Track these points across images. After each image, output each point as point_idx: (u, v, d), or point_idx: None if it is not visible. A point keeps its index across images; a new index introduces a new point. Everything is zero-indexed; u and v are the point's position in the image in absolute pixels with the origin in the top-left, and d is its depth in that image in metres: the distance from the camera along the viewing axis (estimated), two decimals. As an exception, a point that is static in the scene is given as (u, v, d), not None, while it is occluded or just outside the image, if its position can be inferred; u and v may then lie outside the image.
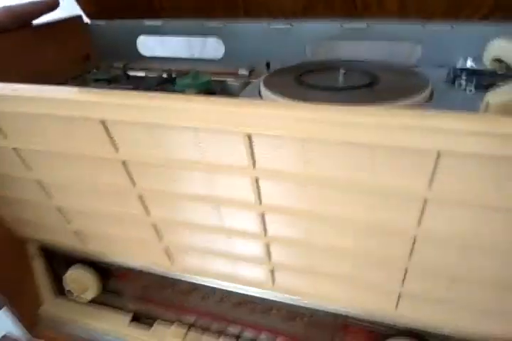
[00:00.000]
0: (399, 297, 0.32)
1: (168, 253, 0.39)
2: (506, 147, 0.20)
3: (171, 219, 0.35)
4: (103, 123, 0.29)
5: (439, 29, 0.46)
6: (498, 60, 0.39)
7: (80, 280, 0.47)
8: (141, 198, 0.34)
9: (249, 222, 0.32)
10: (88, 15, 0.58)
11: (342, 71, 0.38)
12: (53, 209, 0.40)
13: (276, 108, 0.24)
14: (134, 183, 0.33)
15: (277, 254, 0.34)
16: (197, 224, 0.34)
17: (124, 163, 0.31)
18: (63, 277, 0.47)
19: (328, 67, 0.41)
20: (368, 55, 0.53)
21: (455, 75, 0.37)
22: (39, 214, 0.42)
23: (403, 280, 0.31)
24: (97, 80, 0.48)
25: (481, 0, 0.43)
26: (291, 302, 0.39)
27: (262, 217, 0.31)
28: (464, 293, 0.29)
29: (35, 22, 0.50)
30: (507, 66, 0.37)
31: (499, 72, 0.38)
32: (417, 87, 0.35)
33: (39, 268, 0.50)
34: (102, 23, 0.58)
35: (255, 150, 0.26)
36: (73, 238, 0.43)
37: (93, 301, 0.50)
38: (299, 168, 0.26)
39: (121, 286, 0.48)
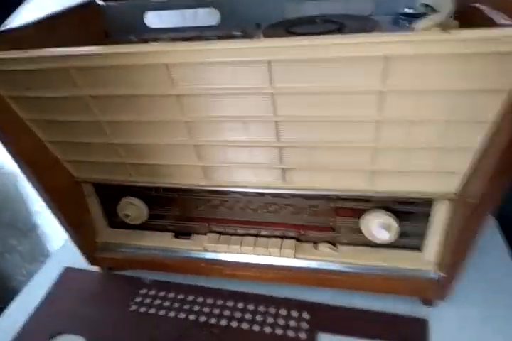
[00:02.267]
0: (371, 174, 0.47)
1: (204, 170, 0.53)
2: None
3: (210, 140, 0.48)
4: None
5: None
6: (427, 6, 0.53)
7: (132, 207, 0.60)
8: (187, 125, 0.47)
9: (266, 131, 0.45)
10: (101, -1, 0.69)
11: (317, 21, 0.51)
12: (113, 148, 0.52)
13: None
14: (183, 113, 0.45)
15: (287, 156, 0.48)
16: (228, 141, 0.48)
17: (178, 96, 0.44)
18: (119, 204, 0.60)
19: (307, 20, 0.54)
20: (331, 11, 0.67)
21: (398, 19, 0.51)
22: (99, 155, 0.54)
23: (373, 159, 0.45)
24: None
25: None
26: (296, 193, 0.53)
27: (277, 124, 0.44)
28: (416, 160, 0.44)
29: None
30: (432, 9, 0.51)
31: (428, 13, 0.52)
32: (372, 27, 0.49)
33: (94, 204, 0.63)
34: (113, 3, 0.69)
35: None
36: (126, 171, 0.55)
37: (140, 227, 0.63)
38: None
39: (162, 211, 0.62)
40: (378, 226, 0.51)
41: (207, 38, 0.66)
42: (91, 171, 0.58)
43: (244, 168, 0.51)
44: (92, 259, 0.66)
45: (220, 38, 0.66)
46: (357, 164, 0.47)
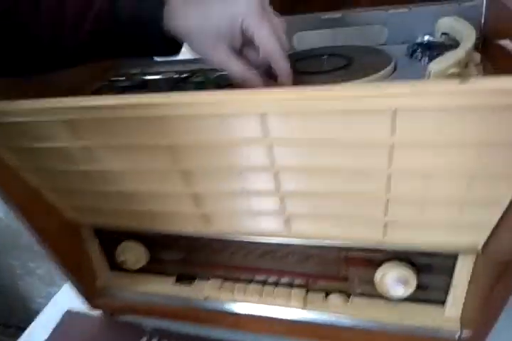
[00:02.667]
0: (385, 226, 0.42)
1: (203, 217, 0.49)
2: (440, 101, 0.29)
3: (207, 189, 0.45)
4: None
5: (400, 12, 0.56)
6: (446, 34, 0.48)
7: (131, 252, 0.57)
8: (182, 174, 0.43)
9: (266, 183, 0.41)
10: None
11: (324, 57, 0.47)
12: (108, 196, 0.49)
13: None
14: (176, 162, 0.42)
15: (290, 205, 0.44)
16: (230, 191, 0.44)
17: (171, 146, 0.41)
18: (117, 249, 0.57)
19: (314, 54, 0.51)
20: (345, 39, 0.63)
21: (413, 50, 0.47)
22: (95, 201, 0.51)
23: (385, 211, 0.40)
24: (125, 87, 0.56)
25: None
26: (303, 243, 0.48)
27: (277, 175, 0.40)
28: (435, 214, 0.39)
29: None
30: (452, 38, 0.46)
31: (447, 44, 0.48)
32: (383, 63, 0.44)
33: (93, 247, 0.60)
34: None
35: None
36: (123, 217, 0.52)
37: (140, 270, 0.60)
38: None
39: (163, 255, 0.58)
40: (394, 281, 0.46)
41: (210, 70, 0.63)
42: (88, 216, 0.55)
43: (245, 215, 0.47)
44: (92, 303, 0.63)
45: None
46: (368, 215, 0.42)
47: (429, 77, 0.36)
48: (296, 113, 0.34)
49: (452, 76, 0.36)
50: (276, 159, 0.39)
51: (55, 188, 0.51)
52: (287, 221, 0.46)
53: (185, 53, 0.71)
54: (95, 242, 0.60)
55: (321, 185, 0.40)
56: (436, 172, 0.35)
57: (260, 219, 0.47)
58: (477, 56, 0.42)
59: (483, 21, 0.51)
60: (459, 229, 0.41)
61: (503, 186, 0.35)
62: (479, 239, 0.41)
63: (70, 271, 0.58)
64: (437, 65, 0.35)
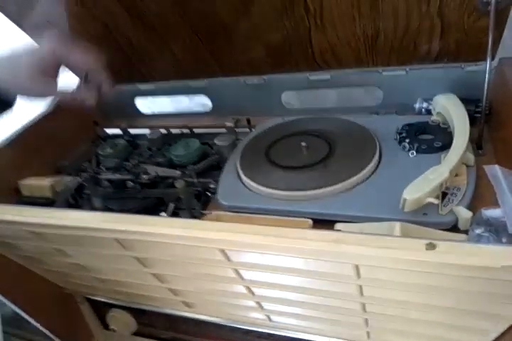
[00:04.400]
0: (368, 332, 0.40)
1: (185, 303, 0.48)
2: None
3: (186, 287, 0.44)
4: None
5: (395, 74, 0.51)
6: (440, 113, 0.44)
7: (118, 321, 0.57)
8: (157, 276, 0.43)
9: (240, 290, 0.40)
10: (87, 84, 0.65)
11: (303, 144, 0.44)
12: (97, 278, 0.49)
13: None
14: (145, 267, 0.41)
15: (267, 306, 0.42)
16: (206, 290, 0.43)
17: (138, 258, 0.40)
18: (106, 317, 0.58)
19: (293, 135, 0.48)
20: (336, 100, 0.59)
21: (401, 137, 0.43)
22: (83, 280, 0.51)
23: (366, 323, 0.38)
24: (108, 168, 0.54)
25: (428, 48, 0.48)
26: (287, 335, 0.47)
27: (248, 288, 0.39)
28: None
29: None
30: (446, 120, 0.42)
31: (441, 126, 0.44)
32: (367, 158, 0.41)
33: (86, 310, 0.61)
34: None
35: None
36: (109, 292, 0.53)
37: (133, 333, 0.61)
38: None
39: (152, 321, 0.58)
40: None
41: (196, 127, 0.61)
42: (78, 287, 0.56)
43: (225, 306, 0.46)
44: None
45: (211, 127, 0.61)
46: (349, 323, 0.40)
47: (403, 206, 0.33)
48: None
49: (429, 205, 0.33)
50: (244, 277, 0.37)
51: (42, 269, 0.52)
52: (267, 316, 0.45)
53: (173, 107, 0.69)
54: (87, 306, 0.61)
55: (292, 297, 0.38)
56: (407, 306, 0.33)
57: (240, 311, 0.46)
58: (470, 157, 0.38)
59: (486, 87, 0.46)
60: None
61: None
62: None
63: (65, 331, 0.60)
64: (413, 194, 0.32)
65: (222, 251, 0.33)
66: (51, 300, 0.58)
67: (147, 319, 0.59)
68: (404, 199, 0.33)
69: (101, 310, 0.61)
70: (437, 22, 0.44)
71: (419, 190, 0.32)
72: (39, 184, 0.49)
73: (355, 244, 0.27)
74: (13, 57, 0.44)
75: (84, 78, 0.47)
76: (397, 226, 0.31)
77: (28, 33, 0.56)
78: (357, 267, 0.29)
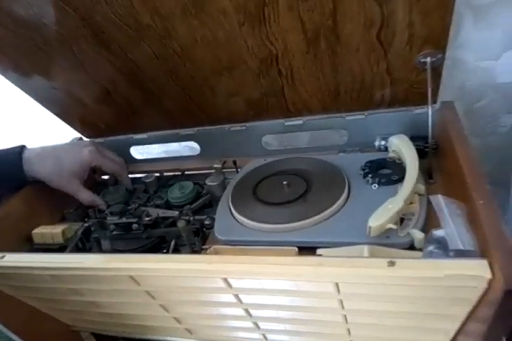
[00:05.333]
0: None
1: (188, 330, 0.54)
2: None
3: (189, 314, 0.49)
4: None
5: (356, 118, 0.60)
6: (396, 151, 0.53)
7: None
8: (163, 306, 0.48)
9: (238, 313, 0.46)
10: (87, 136, 0.72)
11: (284, 182, 0.52)
12: (104, 314, 0.54)
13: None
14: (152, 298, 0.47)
15: (264, 326, 0.48)
16: (207, 315, 0.49)
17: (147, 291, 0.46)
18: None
19: (275, 175, 0.56)
20: (308, 140, 0.68)
21: (365, 173, 0.51)
22: (88, 315, 0.56)
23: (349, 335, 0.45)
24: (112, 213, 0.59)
25: (382, 96, 0.57)
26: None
27: (246, 310, 0.45)
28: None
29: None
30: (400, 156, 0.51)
31: (397, 161, 0.52)
32: (339, 192, 0.49)
33: (92, 345, 0.65)
34: (100, 140, 0.72)
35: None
36: (116, 326, 0.57)
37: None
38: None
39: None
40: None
41: (187, 170, 0.69)
42: (86, 323, 0.60)
43: (225, 330, 0.52)
44: None
45: (201, 169, 0.68)
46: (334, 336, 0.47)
47: (369, 232, 0.41)
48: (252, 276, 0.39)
49: (390, 230, 0.41)
50: (243, 300, 0.43)
51: (52, 309, 0.56)
52: (264, 335, 0.51)
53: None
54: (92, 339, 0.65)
55: (285, 315, 0.45)
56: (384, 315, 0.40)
57: (239, 333, 0.52)
58: (421, 188, 0.46)
59: (430, 127, 0.55)
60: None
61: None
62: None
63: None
64: (376, 221, 0.40)
65: (225, 280, 0.39)
66: (59, 338, 0.62)
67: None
68: (370, 227, 0.40)
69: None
70: (386, 77, 0.53)
71: (380, 218, 0.40)
72: (51, 232, 0.55)
73: (333, 265, 0.35)
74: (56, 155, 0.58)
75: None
76: (365, 248, 0.39)
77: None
78: (337, 284, 0.36)
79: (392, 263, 0.34)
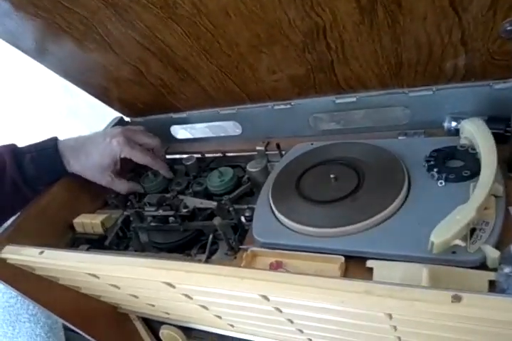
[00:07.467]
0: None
1: (229, 324, 0.52)
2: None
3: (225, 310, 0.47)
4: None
5: (422, 94, 0.51)
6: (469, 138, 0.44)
7: (171, 336, 0.62)
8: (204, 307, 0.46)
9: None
10: (127, 116, 0.70)
11: (332, 176, 0.46)
12: (150, 306, 0.54)
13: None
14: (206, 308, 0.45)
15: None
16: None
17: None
18: (159, 334, 0.63)
19: (321, 164, 0.49)
20: (363, 120, 0.60)
21: (429, 165, 0.44)
22: (143, 308, 0.56)
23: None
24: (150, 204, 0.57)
25: (454, 70, 0.48)
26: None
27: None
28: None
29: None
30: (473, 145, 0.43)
31: (470, 152, 0.44)
32: (396, 191, 0.42)
33: (140, 327, 0.66)
34: (140, 119, 0.69)
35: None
36: (165, 315, 0.57)
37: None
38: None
39: (202, 336, 0.63)
40: None
41: (228, 152, 0.64)
42: (130, 308, 0.61)
43: (267, 329, 0.50)
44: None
45: (243, 151, 0.63)
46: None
47: (431, 248, 0.34)
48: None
49: (456, 247, 0.34)
50: (283, 311, 0.40)
51: (94, 294, 0.57)
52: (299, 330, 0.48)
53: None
54: (141, 323, 0.66)
55: (330, 326, 0.41)
56: None
57: (280, 333, 0.50)
58: (499, 188, 0.38)
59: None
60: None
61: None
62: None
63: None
64: (440, 237, 0.33)
65: (265, 297, 0.36)
66: (107, 320, 0.63)
67: (197, 334, 0.63)
68: (432, 243, 0.34)
69: (153, 326, 0.66)
70: (461, 49, 0.43)
71: (445, 233, 0.34)
72: (90, 222, 0.54)
73: (383, 295, 0.29)
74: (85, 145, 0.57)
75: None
76: (424, 271, 0.33)
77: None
78: (389, 314, 0.31)
79: (457, 299, 0.28)
